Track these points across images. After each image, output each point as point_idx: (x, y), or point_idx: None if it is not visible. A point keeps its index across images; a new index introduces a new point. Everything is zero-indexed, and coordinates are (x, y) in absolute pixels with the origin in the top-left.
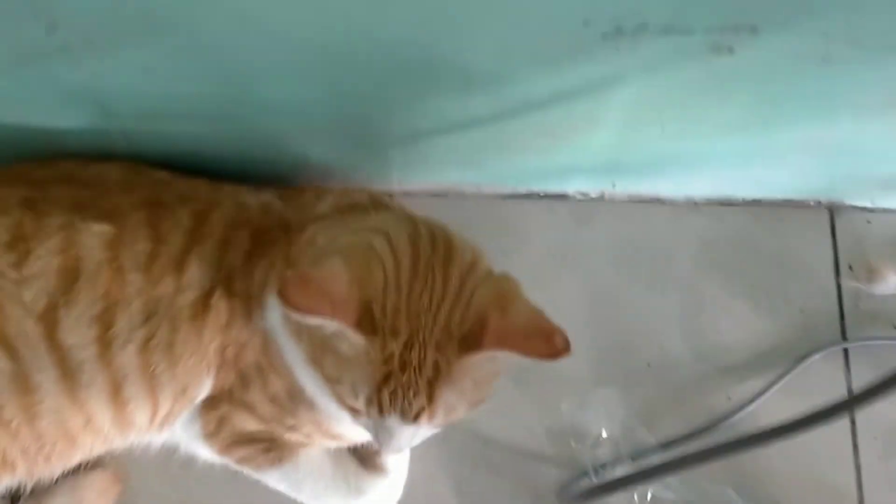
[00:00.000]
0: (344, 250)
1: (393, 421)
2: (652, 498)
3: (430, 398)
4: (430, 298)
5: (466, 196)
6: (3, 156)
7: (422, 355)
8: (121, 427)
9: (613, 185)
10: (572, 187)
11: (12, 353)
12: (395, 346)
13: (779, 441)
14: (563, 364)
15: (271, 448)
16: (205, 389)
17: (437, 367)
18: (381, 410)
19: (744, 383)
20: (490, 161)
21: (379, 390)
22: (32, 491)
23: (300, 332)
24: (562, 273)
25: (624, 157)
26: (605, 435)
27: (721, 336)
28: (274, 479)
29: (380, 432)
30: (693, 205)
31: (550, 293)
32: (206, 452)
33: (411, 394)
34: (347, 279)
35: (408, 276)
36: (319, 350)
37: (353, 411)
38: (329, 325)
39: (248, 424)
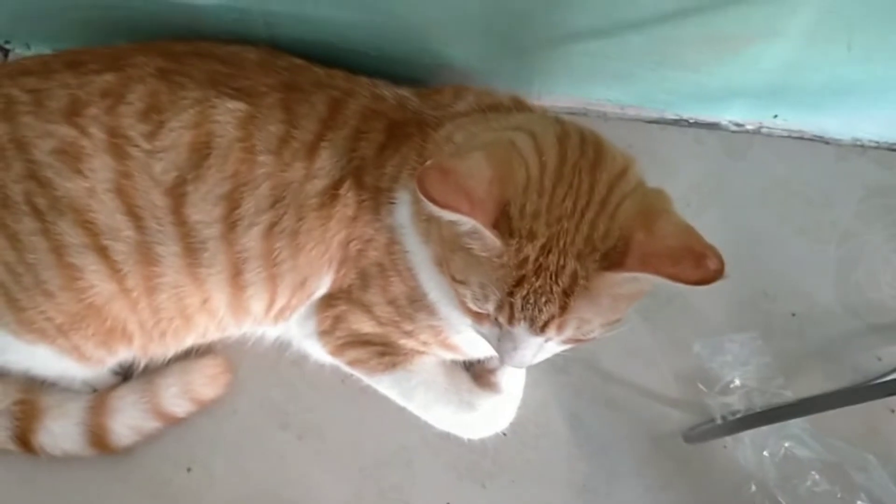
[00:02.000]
0: (486, 146)
1: (520, 329)
2: (785, 453)
3: (563, 308)
4: (573, 204)
5: (608, 117)
6: (143, 33)
7: (560, 262)
8: (236, 313)
9: (775, 117)
10: (727, 116)
11: (138, 224)
12: (532, 251)
13: None
14: (699, 304)
15: (385, 353)
16: (324, 285)
17: (574, 278)
18: (510, 316)
19: None
20: (642, 76)
21: (511, 294)
22: (145, 369)
23: (428, 231)
24: (706, 209)
25: (795, 82)
26: (737, 382)
27: (879, 292)
28: (385, 385)
29: (503, 342)
30: (860, 148)
31: None
32: (318, 351)
33: (543, 301)
34: (489, 177)
35: (552, 179)
36: (449, 249)
37: (477, 317)
38: (464, 222)
39: (364, 326)
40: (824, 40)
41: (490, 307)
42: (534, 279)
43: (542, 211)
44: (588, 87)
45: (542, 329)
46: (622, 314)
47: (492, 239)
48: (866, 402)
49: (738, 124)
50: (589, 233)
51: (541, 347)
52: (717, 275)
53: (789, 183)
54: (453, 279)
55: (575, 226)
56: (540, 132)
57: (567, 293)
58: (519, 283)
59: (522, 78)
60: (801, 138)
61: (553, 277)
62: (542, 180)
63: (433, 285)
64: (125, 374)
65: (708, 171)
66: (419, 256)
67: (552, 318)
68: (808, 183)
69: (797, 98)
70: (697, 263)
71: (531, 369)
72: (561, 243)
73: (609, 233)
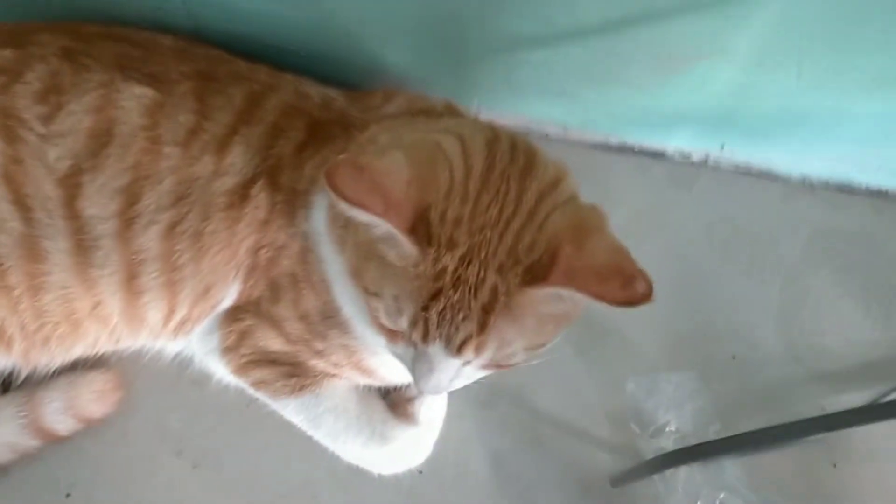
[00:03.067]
0: (409, 146)
1: (436, 349)
2: None
3: (483, 327)
4: (499, 212)
5: (550, 139)
6: (56, 14)
7: (480, 275)
8: (131, 322)
9: (722, 148)
10: (674, 144)
11: (26, 215)
12: (451, 261)
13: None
14: (636, 340)
15: (293, 374)
16: (230, 295)
17: (494, 293)
18: (425, 334)
19: (842, 394)
20: (586, 94)
21: (426, 309)
22: (26, 380)
23: (344, 239)
24: (647, 241)
25: (743, 108)
26: (672, 427)
27: (823, 338)
28: (291, 410)
29: (418, 364)
30: (808, 186)
31: None
32: (220, 370)
33: (461, 317)
34: (408, 177)
35: (477, 184)
36: (363, 258)
37: (391, 335)
38: (378, 225)
39: (272, 343)
40: (773, 64)
41: (404, 323)
42: (451, 292)
43: (465, 218)
44: (530, 103)
45: (459, 349)
46: (548, 338)
47: (408, 245)
48: (803, 438)
49: (684, 154)
50: (513, 244)
51: (459, 371)
52: (644, 298)
53: (735, 219)
54: (367, 291)
55: (499, 236)
56: (469, 136)
57: (486, 310)
58: (435, 296)
59: (463, 89)
60: (749, 174)
61: (472, 291)
62: (467, 185)
63: (348, 300)
64: (4, 385)
65: (651, 202)
66: (334, 267)
67: (470, 337)
68: (754, 220)
69: (745, 127)
70: (625, 284)
71: (454, 401)
72: (482, 254)
73: (535, 245)
